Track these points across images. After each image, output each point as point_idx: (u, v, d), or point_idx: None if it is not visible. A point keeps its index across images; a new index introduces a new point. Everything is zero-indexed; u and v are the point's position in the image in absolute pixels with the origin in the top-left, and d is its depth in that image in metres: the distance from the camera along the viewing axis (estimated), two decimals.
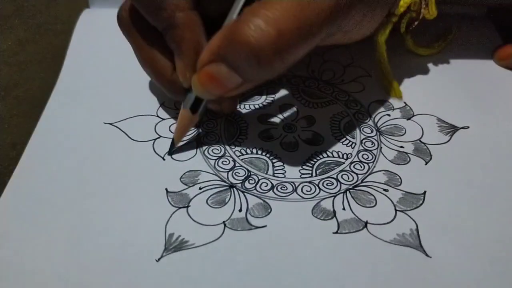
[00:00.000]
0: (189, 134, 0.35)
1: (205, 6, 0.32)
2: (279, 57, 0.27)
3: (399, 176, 0.33)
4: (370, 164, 0.33)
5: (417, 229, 0.29)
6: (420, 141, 0.35)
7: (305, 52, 0.29)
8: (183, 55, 0.31)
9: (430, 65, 0.41)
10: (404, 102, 0.38)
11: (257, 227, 0.29)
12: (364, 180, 0.32)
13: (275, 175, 0.32)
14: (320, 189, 0.32)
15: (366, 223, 0.30)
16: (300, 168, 0.33)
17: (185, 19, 0.31)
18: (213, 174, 0.32)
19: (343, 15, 0.29)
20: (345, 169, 0.33)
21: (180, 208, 0.30)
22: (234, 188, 0.31)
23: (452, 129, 0.36)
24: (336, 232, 0.29)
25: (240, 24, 0.27)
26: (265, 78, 0.30)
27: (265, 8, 0.27)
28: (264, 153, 0.34)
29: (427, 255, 0.28)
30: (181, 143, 0.34)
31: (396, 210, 0.30)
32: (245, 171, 0.33)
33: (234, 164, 0.33)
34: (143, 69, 0.35)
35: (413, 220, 0.30)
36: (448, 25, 0.43)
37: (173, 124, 0.36)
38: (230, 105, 0.35)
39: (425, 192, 0.32)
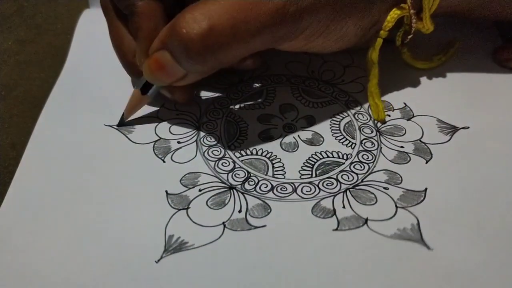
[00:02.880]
0: (189, 136, 0.35)
1: None
2: (210, 52, 0.28)
3: (400, 175, 0.32)
4: (370, 164, 0.33)
5: (418, 224, 0.29)
6: (420, 141, 0.35)
7: (244, 52, 0.30)
8: (139, 42, 0.33)
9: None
10: (404, 103, 0.38)
11: (256, 227, 0.29)
12: (364, 180, 0.32)
13: (275, 176, 0.32)
14: (320, 189, 0.32)
15: (366, 219, 0.30)
16: (300, 168, 0.33)
17: (144, 8, 0.32)
18: (213, 175, 0.32)
19: (290, 22, 0.30)
20: (345, 169, 0.33)
21: (180, 209, 0.30)
22: (234, 190, 0.31)
23: (452, 130, 0.36)
24: (336, 229, 0.29)
25: (180, 15, 0.28)
26: (202, 71, 0.31)
27: (205, 3, 0.28)
28: (264, 154, 0.34)
29: (428, 248, 0.28)
30: (132, 118, 0.36)
31: (397, 206, 0.30)
32: (245, 173, 0.33)
33: (234, 165, 0.33)
34: (112, 47, 0.36)
35: (414, 216, 0.30)
36: (451, 36, 0.43)
37: (173, 126, 0.36)
38: (182, 95, 0.36)
39: (426, 189, 0.32)
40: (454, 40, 0.42)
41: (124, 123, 0.35)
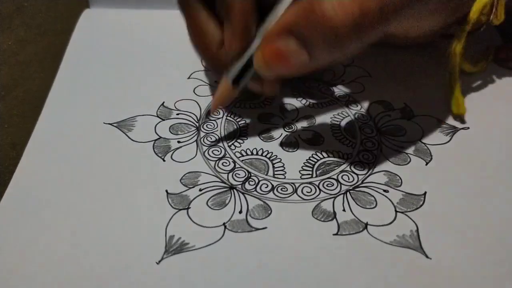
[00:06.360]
0: (190, 136, 0.35)
1: None
2: (358, 38, 0.27)
3: (400, 177, 0.32)
4: (371, 164, 0.33)
5: (417, 230, 0.29)
6: (420, 141, 0.35)
7: (381, 35, 0.28)
8: (231, 23, 0.31)
9: (430, 66, 0.41)
10: (404, 103, 0.38)
11: (257, 229, 0.29)
12: (364, 181, 0.32)
13: (275, 176, 0.32)
14: (320, 190, 0.32)
15: (366, 224, 0.30)
16: (300, 168, 0.33)
17: None
18: (213, 175, 0.32)
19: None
20: (345, 169, 0.33)
21: (181, 210, 0.30)
22: (234, 190, 0.31)
23: (452, 130, 0.36)
24: (336, 234, 0.29)
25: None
26: (334, 59, 0.29)
27: None
28: (264, 154, 0.34)
29: (427, 256, 0.28)
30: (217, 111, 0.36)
31: (396, 211, 0.30)
32: (245, 172, 0.33)
33: (234, 165, 0.33)
34: (192, 42, 0.35)
35: (413, 222, 0.30)
36: (490, 42, 0.42)
37: (173, 124, 0.36)
38: (272, 87, 0.35)
39: (425, 193, 0.32)
40: (491, 45, 0.41)
41: (209, 116, 0.35)
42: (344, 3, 0.26)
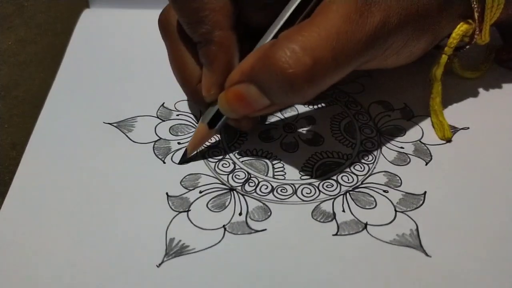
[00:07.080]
0: (190, 137, 0.35)
1: (246, 17, 0.32)
2: (312, 85, 0.27)
3: (399, 177, 0.33)
4: (370, 165, 0.33)
5: (417, 229, 0.29)
6: (420, 141, 0.35)
7: (337, 80, 0.29)
8: (212, 72, 0.31)
9: (430, 66, 0.41)
10: (404, 103, 0.38)
11: (257, 231, 0.29)
12: (364, 182, 0.32)
13: (275, 176, 0.32)
14: (320, 191, 0.32)
15: (366, 224, 0.30)
16: (300, 169, 0.33)
17: (222, 38, 0.31)
18: (213, 177, 0.32)
19: (379, 45, 0.29)
20: (345, 170, 0.33)
21: (181, 212, 0.30)
22: (234, 191, 0.31)
23: (452, 130, 0.36)
24: (336, 234, 0.29)
25: (276, 48, 0.27)
26: (294, 103, 0.30)
27: (302, 35, 0.27)
28: (264, 154, 0.34)
29: (427, 254, 0.28)
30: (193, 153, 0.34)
31: (396, 210, 0.30)
32: (245, 174, 0.33)
33: (234, 166, 0.33)
34: (173, 72, 0.35)
35: (413, 221, 0.30)
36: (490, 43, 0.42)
37: (173, 125, 0.36)
38: (249, 124, 0.34)
39: (425, 192, 0.32)
40: (492, 46, 0.41)
41: (186, 160, 0.33)
42: (296, 53, 0.26)
